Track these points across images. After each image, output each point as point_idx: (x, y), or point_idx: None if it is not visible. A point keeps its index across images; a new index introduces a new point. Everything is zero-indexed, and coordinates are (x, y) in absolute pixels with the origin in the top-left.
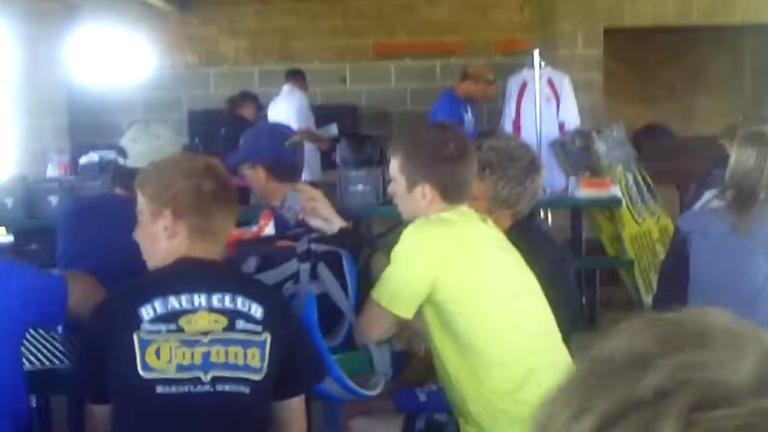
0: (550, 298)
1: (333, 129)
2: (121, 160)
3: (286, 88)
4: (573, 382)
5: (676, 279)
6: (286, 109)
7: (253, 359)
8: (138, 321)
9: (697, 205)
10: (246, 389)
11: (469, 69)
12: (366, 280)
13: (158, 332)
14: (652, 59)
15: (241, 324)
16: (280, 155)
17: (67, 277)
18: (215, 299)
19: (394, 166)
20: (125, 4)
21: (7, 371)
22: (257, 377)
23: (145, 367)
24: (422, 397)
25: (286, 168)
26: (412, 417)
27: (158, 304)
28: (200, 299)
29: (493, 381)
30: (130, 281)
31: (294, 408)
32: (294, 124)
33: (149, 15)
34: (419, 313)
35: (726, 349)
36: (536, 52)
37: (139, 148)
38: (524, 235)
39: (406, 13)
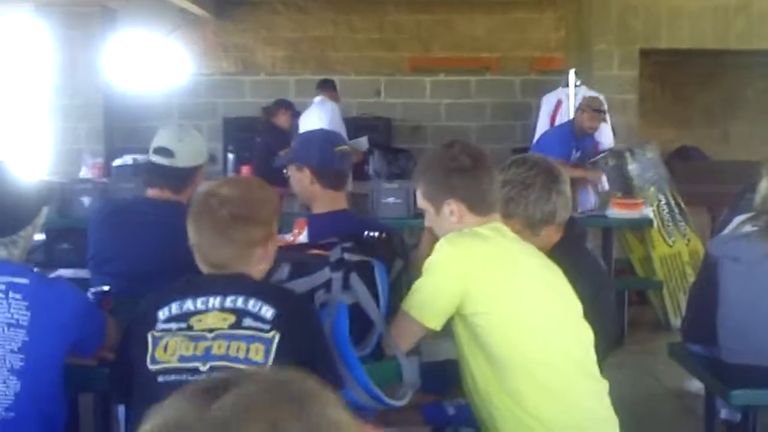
0: (588, 319)
1: (364, 142)
2: (166, 161)
3: (317, 98)
4: None
5: (704, 302)
6: (317, 119)
7: (256, 354)
8: (154, 322)
9: (728, 230)
10: None
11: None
12: (397, 291)
13: (169, 330)
14: (688, 82)
15: (247, 322)
16: (328, 161)
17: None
18: (228, 300)
19: (419, 196)
20: (163, 10)
21: (51, 381)
22: None
23: (153, 360)
24: (450, 411)
25: (331, 174)
26: (439, 431)
27: (175, 306)
28: (215, 301)
29: (521, 397)
30: (159, 289)
31: None
32: None
33: (186, 21)
34: (450, 325)
35: None
36: (572, 72)
37: (185, 147)
38: (567, 255)
39: (444, 28)
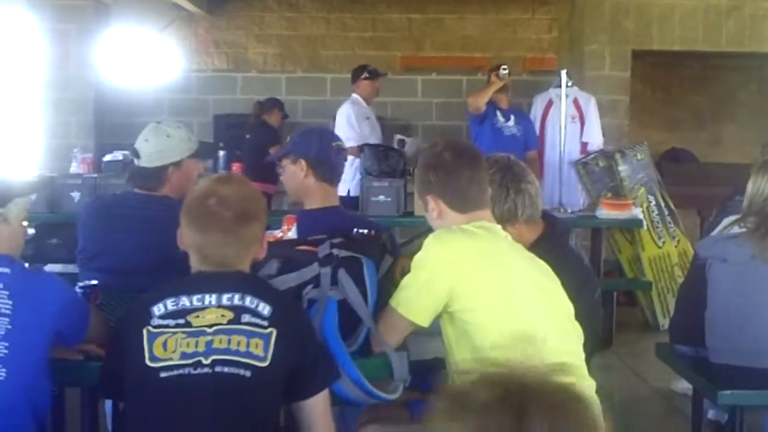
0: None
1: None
2: (135, 161)
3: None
4: None
5: (693, 303)
6: (337, 120)
7: (256, 348)
8: (149, 317)
9: (717, 231)
10: (247, 372)
11: None
12: (386, 288)
13: (166, 326)
14: (679, 84)
15: (246, 318)
16: (325, 154)
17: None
18: (225, 297)
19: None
20: (156, 5)
21: (35, 369)
22: (260, 363)
23: (152, 358)
24: None
25: (326, 168)
26: None
27: (170, 302)
28: (210, 298)
29: None
30: (148, 283)
31: (317, 408)
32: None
33: (179, 18)
34: (438, 323)
35: None
36: (563, 72)
37: (150, 148)
38: (547, 252)
39: (436, 27)
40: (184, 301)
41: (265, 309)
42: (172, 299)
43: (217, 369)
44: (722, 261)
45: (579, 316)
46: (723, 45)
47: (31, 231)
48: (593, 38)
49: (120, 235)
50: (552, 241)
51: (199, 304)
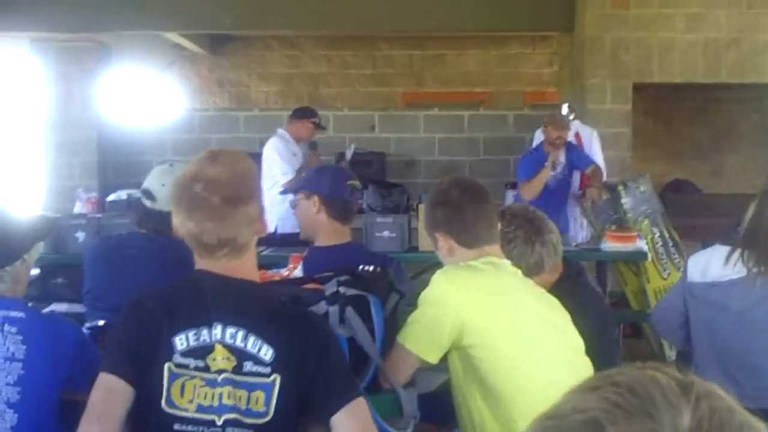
0: (593, 356)
1: (348, 153)
2: (148, 203)
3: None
4: None
5: (697, 340)
6: (266, 155)
7: (256, 404)
8: (171, 350)
9: (708, 256)
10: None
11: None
12: (393, 326)
13: (187, 367)
14: (680, 116)
15: (248, 366)
16: (339, 192)
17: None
18: (228, 334)
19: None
20: (158, 45)
21: (47, 415)
22: (261, 420)
23: (169, 402)
24: None
25: (340, 205)
26: None
27: (192, 336)
28: (215, 330)
29: (516, 431)
30: (164, 291)
31: (345, 423)
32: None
33: (181, 57)
34: (446, 359)
35: (667, 412)
36: (565, 105)
37: (168, 192)
38: (568, 294)
39: (436, 64)
40: (205, 336)
41: (267, 353)
42: (194, 331)
43: (228, 430)
44: (723, 309)
45: (599, 356)
46: (723, 77)
47: (35, 271)
48: (594, 72)
49: (126, 275)
50: (571, 281)
51: (209, 340)
